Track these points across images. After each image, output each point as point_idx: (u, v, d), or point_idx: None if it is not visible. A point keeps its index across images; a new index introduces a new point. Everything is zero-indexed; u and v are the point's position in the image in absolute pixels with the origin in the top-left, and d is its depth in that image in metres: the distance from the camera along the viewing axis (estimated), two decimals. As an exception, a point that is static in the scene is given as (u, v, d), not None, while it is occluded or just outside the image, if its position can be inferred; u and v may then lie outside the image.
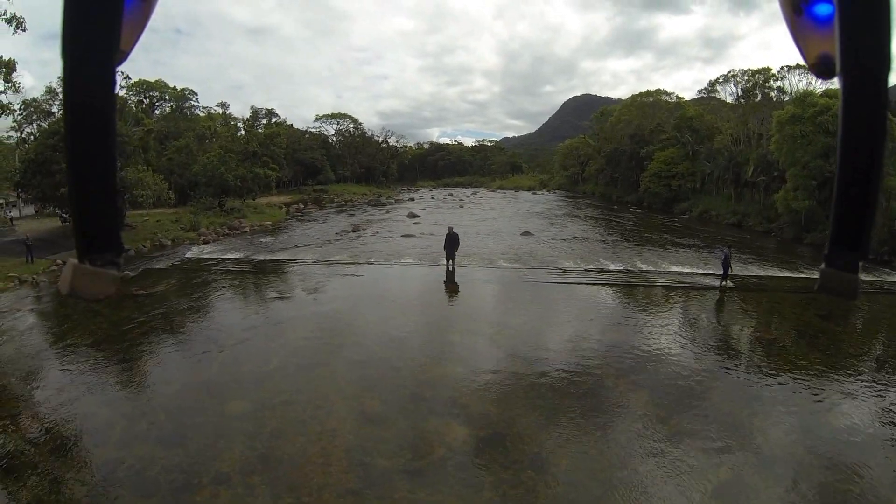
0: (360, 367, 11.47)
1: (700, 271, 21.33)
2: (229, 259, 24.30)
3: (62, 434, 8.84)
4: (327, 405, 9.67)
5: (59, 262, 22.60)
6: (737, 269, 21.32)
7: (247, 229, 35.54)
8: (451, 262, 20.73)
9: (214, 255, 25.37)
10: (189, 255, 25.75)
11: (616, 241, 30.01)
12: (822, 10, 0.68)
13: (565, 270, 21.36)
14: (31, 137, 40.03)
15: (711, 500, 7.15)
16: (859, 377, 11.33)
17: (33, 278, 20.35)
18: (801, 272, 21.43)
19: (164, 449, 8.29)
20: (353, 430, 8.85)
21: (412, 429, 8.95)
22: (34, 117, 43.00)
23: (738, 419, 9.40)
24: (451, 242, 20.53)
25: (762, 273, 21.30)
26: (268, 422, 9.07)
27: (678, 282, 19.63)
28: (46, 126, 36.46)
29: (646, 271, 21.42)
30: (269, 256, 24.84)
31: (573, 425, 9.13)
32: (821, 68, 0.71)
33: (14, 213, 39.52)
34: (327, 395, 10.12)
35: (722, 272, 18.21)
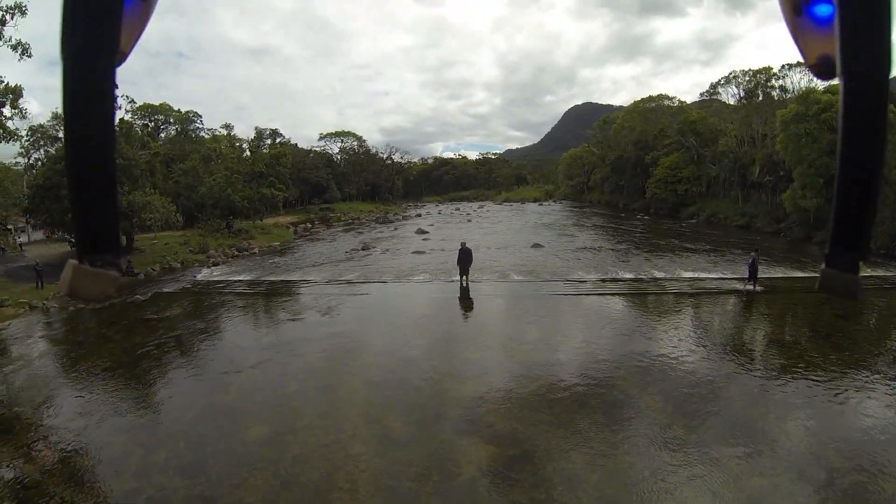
0: (380, 387, 11.28)
1: (714, 275, 21.08)
2: (240, 281, 24.21)
3: (78, 464, 8.66)
4: (349, 428, 9.46)
5: None
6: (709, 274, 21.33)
7: (256, 250, 35.54)
8: (464, 277, 20.55)
9: (225, 278, 25.31)
10: (199, 277, 25.70)
11: (626, 250, 29.80)
12: (822, 10, 0.67)
13: (579, 282, 21.13)
14: (39, 163, 40.36)
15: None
16: (877, 374, 11.18)
17: (44, 304, 20.22)
18: (814, 271, 21.11)
19: (185, 478, 8.09)
20: (377, 453, 8.64)
21: (438, 450, 8.72)
22: (41, 143, 43.31)
23: (764, 424, 9.20)
24: (464, 257, 20.38)
25: (775, 275, 20.99)
26: (290, 447, 8.87)
27: (694, 288, 19.39)
28: (54, 151, 36.70)
29: (659, 279, 21.21)
30: (279, 277, 24.73)
31: (600, 439, 8.91)
32: (821, 69, 0.71)
33: (24, 238, 39.60)
34: (348, 417, 9.92)
35: (748, 276, 17.97)
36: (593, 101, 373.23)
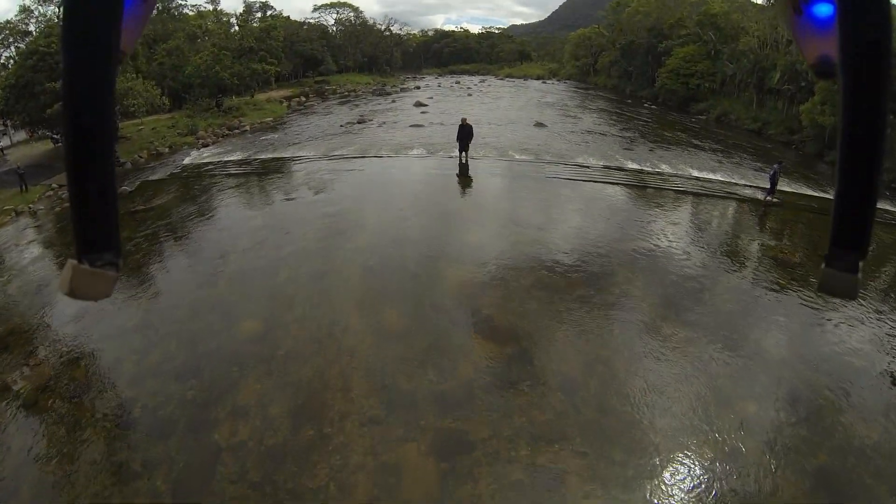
0: (375, 274, 10.89)
1: (720, 177, 20.15)
2: (230, 161, 23.15)
3: (74, 376, 8.34)
4: (343, 320, 9.17)
5: (54, 185, 21.56)
6: (756, 180, 20.35)
7: (247, 128, 33.89)
8: (464, 153, 19.83)
9: (214, 159, 24.19)
10: (188, 161, 24.57)
11: (633, 138, 28.44)
12: (822, 10, 0.66)
13: (582, 166, 20.22)
14: (11, 62, 37.05)
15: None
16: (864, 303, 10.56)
17: (30, 208, 19.31)
18: (825, 191, 20.29)
19: (178, 382, 7.86)
20: (371, 348, 8.39)
21: (434, 345, 8.47)
22: (10, 40, 39.87)
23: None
24: (465, 134, 19.48)
25: (784, 188, 20.14)
26: (282, 342, 8.61)
27: (698, 187, 18.57)
28: (24, 47, 33.98)
29: (664, 173, 20.27)
30: (271, 155, 23.68)
31: (600, 342, 8.68)
32: (821, 69, 0.70)
33: (5, 141, 37.28)
34: (342, 307, 9.60)
35: (768, 186, 17.13)
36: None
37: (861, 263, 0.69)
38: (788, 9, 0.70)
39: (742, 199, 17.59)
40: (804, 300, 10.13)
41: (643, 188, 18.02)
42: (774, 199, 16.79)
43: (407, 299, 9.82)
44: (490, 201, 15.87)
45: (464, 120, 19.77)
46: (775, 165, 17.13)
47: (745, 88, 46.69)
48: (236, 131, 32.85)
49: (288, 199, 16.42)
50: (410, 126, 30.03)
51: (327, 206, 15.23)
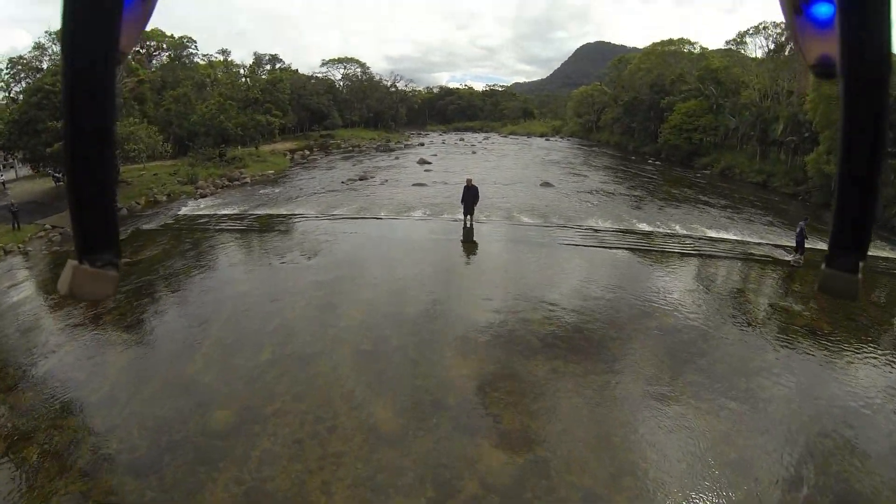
0: (368, 359, 9.66)
1: (737, 237, 19.23)
2: (225, 215, 22.32)
3: (24, 456, 7.25)
4: (329, 416, 7.93)
5: (47, 226, 20.82)
6: (769, 236, 19.39)
7: (247, 179, 33.38)
8: (468, 217, 18.87)
9: (210, 211, 23.40)
10: (184, 211, 23.83)
11: (641, 197, 27.74)
12: (823, 10, 0.66)
13: (592, 231, 19.29)
14: (21, 97, 37.14)
15: None
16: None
17: (19, 247, 18.59)
18: None
19: (136, 479, 6.68)
20: (361, 453, 7.13)
21: (435, 451, 7.20)
22: (22, 75, 39.77)
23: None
24: (470, 196, 18.58)
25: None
26: (258, 440, 7.36)
27: (717, 249, 17.55)
28: (32, 83, 34.00)
29: (678, 234, 19.35)
30: (267, 211, 22.85)
31: (626, 447, 7.41)
32: (821, 69, 0.70)
33: (10, 174, 36.89)
34: (329, 400, 8.36)
35: (795, 245, 16.12)
36: (606, 41, 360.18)
37: (861, 264, 0.68)
38: (788, 9, 0.69)
39: (759, 260, 16.68)
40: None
41: (657, 252, 16.98)
42: (802, 261, 15.78)
43: (404, 393, 8.58)
44: (497, 273, 14.63)
45: (468, 181, 18.91)
46: (801, 223, 16.13)
47: (747, 141, 46.63)
48: (236, 183, 32.28)
49: (279, 263, 15.34)
50: (413, 185, 29.43)
51: (321, 274, 14.14)
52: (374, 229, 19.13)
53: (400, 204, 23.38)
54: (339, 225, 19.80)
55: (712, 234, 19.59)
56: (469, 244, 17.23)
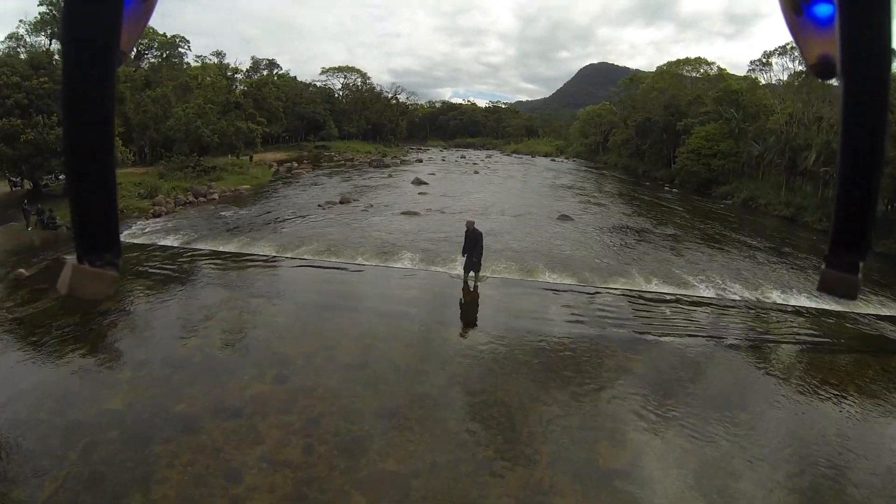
0: None
1: (829, 307, 14.10)
2: (161, 248, 17.08)
3: None
4: None
5: None
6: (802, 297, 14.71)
7: (215, 196, 28.04)
8: (471, 274, 13.66)
9: (148, 239, 18.22)
10: (122, 236, 18.75)
11: (676, 236, 22.63)
12: (822, 10, 0.66)
13: (646, 296, 13.98)
14: None
15: None
16: None
17: None
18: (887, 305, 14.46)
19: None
20: None
21: None
22: None
23: None
24: (472, 244, 13.35)
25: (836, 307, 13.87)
26: None
27: (817, 331, 12.52)
28: None
29: (751, 302, 14.17)
30: (211, 245, 17.43)
31: None
32: (821, 69, 0.69)
33: None
34: None
35: None
36: (609, 62, 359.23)
37: (861, 264, 0.67)
38: (788, 9, 0.68)
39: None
40: None
41: (752, 348, 11.24)
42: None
43: None
44: (520, 398, 8.34)
45: (470, 225, 13.58)
46: None
47: (770, 169, 41.82)
48: (201, 200, 27.20)
49: (179, 350, 9.79)
50: (402, 213, 24.15)
51: (230, 390, 8.16)
52: (336, 288, 13.73)
53: (381, 243, 18.12)
54: (291, 276, 14.54)
55: (794, 301, 14.45)
56: (470, 327, 11.39)
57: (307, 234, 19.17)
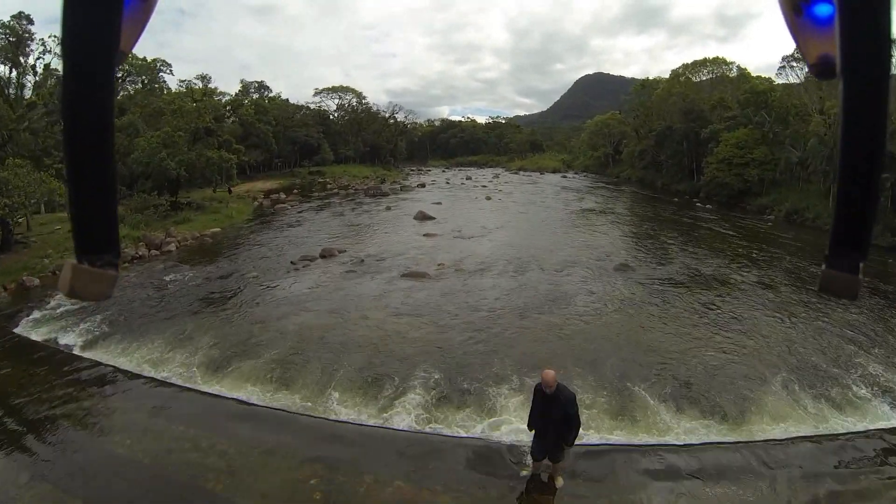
0: None
1: None
2: (56, 351, 11.29)
3: None
4: None
5: None
6: None
7: (172, 247, 22.12)
8: (546, 460, 6.77)
9: (48, 334, 12.46)
10: (29, 318, 13.67)
11: (767, 285, 16.48)
12: (822, 10, 0.65)
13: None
14: None
15: None
16: None
17: None
18: None
19: None
20: None
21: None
22: None
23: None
24: (546, 408, 6.45)
25: None
26: None
27: None
28: None
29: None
30: (113, 354, 11.23)
31: None
32: (821, 69, 0.68)
33: None
34: None
35: None
36: (604, 72, 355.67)
37: (861, 264, 0.66)
38: (788, 9, 0.68)
39: None
40: None
41: None
42: None
43: None
44: None
45: (549, 381, 6.33)
46: None
47: (815, 178, 36.02)
48: (154, 253, 21.42)
49: None
50: (404, 275, 17.31)
51: None
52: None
53: (368, 354, 10.96)
54: (188, 439, 8.67)
55: None
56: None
57: (255, 330, 12.47)
